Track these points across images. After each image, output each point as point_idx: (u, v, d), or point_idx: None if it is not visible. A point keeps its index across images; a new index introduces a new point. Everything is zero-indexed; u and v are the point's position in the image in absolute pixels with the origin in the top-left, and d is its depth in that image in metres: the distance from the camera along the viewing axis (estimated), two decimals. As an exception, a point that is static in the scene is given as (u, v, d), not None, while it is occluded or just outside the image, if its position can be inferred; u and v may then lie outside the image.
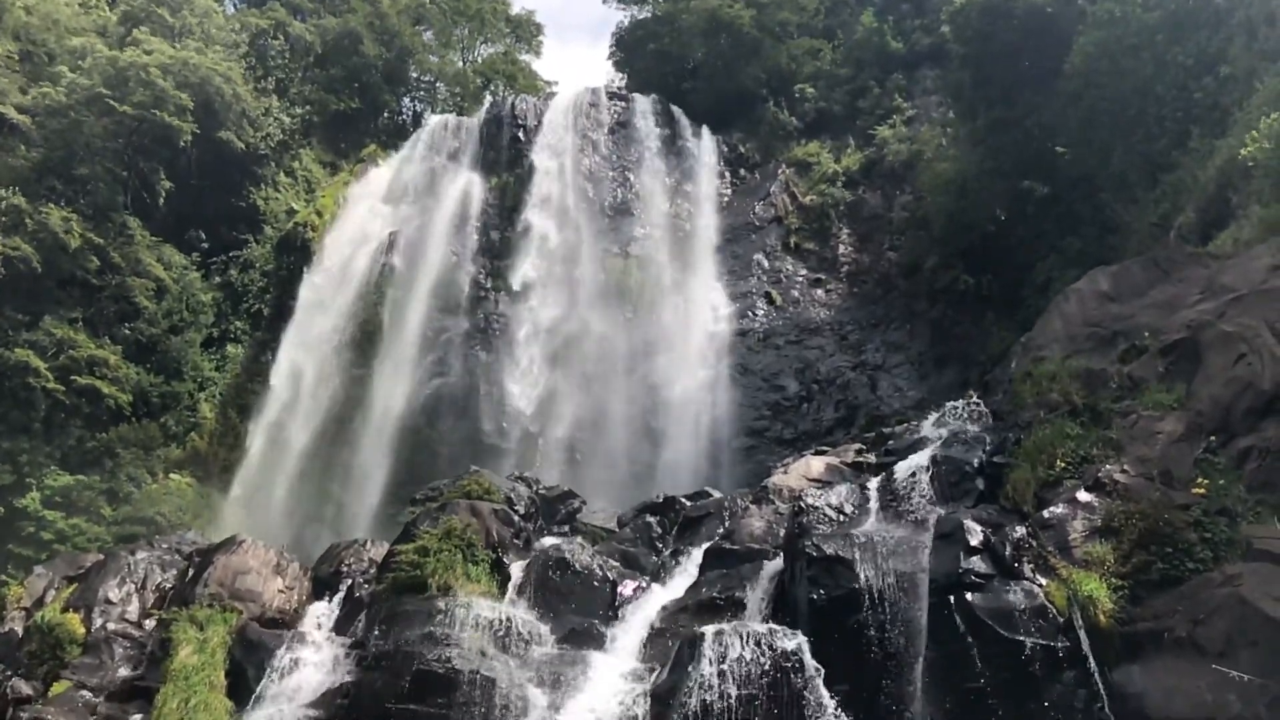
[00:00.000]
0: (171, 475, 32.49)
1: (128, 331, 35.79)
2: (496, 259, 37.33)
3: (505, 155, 40.16)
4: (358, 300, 37.47)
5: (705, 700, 13.79)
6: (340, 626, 19.73)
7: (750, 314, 34.92)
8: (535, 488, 23.43)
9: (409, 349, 35.85)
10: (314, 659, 18.31)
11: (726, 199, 39.31)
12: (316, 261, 38.97)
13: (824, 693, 13.58)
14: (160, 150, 38.56)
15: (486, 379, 34.61)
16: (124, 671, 18.95)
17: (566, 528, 23.16)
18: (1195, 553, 12.58)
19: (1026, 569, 13.44)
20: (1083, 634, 12.40)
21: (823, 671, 13.79)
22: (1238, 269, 16.24)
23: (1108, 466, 14.47)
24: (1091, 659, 12.19)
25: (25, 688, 18.45)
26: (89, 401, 33.05)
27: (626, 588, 19.13)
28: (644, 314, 35.43)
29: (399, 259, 38.04)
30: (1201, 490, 13.22)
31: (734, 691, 13.73)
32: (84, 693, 17.98)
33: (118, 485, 31.39)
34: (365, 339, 36.59)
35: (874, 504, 16.71)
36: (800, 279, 35.62)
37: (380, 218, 39.97)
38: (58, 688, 18.29)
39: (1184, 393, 15.05)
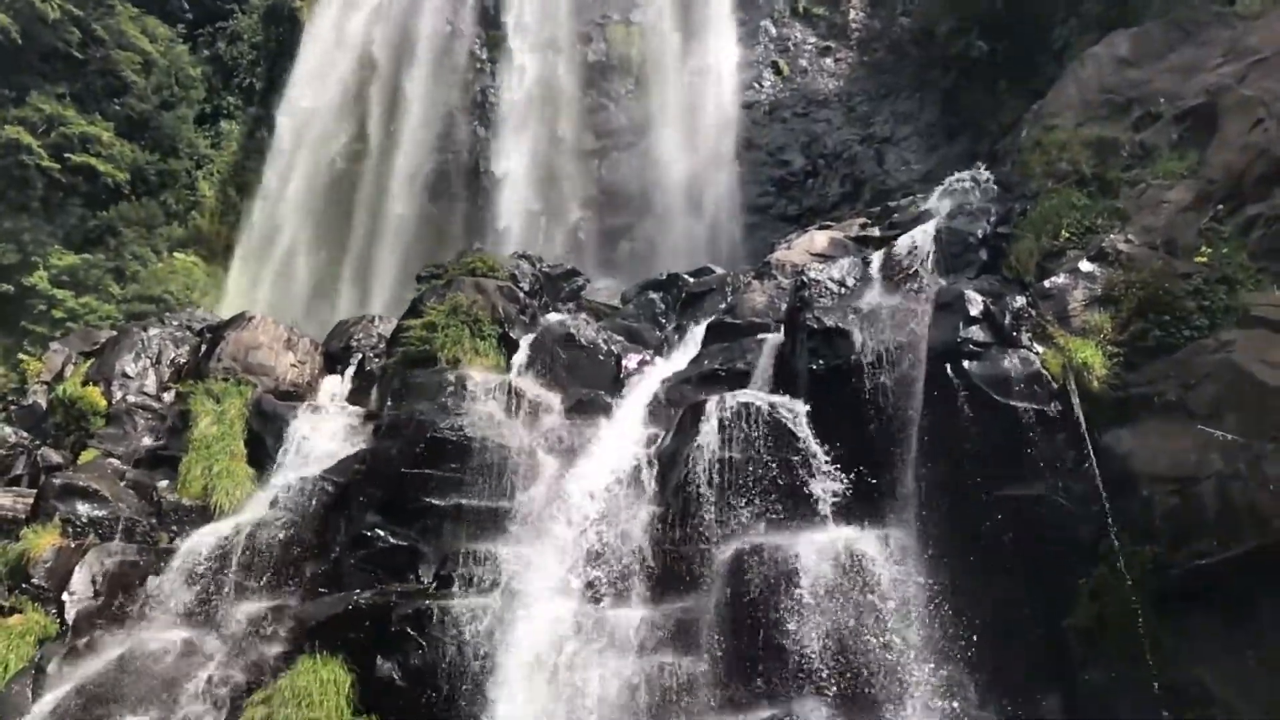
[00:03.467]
0: (176, 254, 32.51)
1: (118, 107, 34.86)
2: (492, 28, 35.85)
3: (497, -89, 37.74)
4: (350, 74, 36.26)
5: (706, 463, 14.35)
6: (353, 398, 20.34)
7: (756, 85, 33.81)
8: (539, 265, 23.49)
9: (405, 125, 35.04)
10: (329, 428, 19.01)
11: (734, -43, 37.21)
12: (306, 32, 37.44)
13: (820, 456, 14.13)
14: (132, -92, 36.31)
15: (486, 155, 34.02)
16: (147, 441, 19.71)
17: (571, 305, 23.37)
18: (1192, 320, 12.74)
19: (1024, 338, 13.68)
20: (1075, 399, 12.74)
21: (820, 436, 14.30)
22: (1265, 29, 15.60)
23: (1112, 236, 14.44)
24: (1082, 422, 12.58)
25: (55, 456, 19.25)
26: (86, 180, 32.59)
27: (631, 361, 19.53)
28: (646, 86, 34.33)
29: (392, 30, 36.54)
30: (1204, 259, 13.24)
31: (734, 455, 14.27)
32: (111, 460, 18.75)
33: (123, 264, 31.46)
34: (360, 116, 35.69)
35: (876, 277, 16.78)
36: (809, 47, 34.25)
37: (370, -16, 38.06)
38: (86, 455, 19.07)
39: (1196, 160, 14.80)
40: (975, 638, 12.04)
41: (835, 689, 11.99)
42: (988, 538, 12.56)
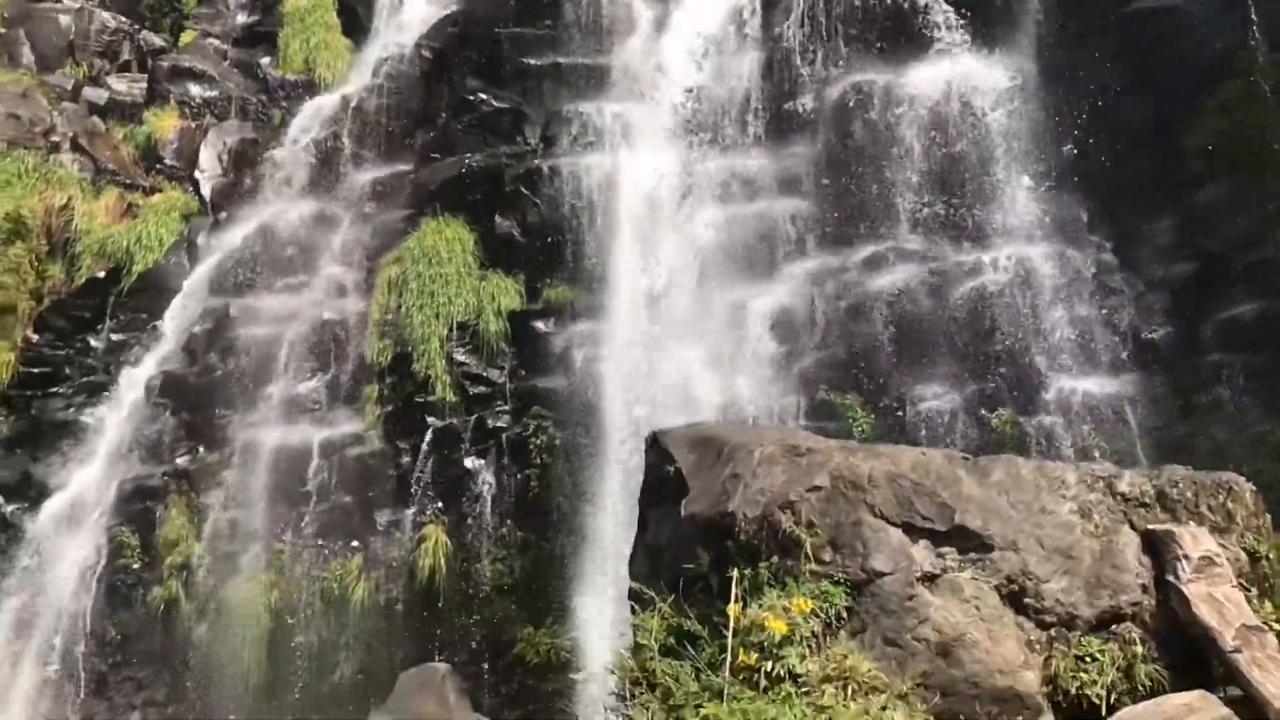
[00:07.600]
0: None
1: None
2: None
3: None
4: None
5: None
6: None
7: None
8: None
9: None
10: (417, -5, 18.40)
11: None
12: None
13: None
14: None
15: None
16: (241, 19, 19.47)
17: None
18: None
19: None
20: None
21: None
22: None
23: None
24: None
25: (157, 39, 19.27)
26: None
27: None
28: None
29: None
30: None
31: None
32: (211, 40, 18.74)
33: None
34: None
35: None
36: None
37: None
38: (186, 37, 19.10)
39: None
40: (1088, 166, 11.77)
41: (940, 224, 12.13)
42: (1112, 59, 11.86)
